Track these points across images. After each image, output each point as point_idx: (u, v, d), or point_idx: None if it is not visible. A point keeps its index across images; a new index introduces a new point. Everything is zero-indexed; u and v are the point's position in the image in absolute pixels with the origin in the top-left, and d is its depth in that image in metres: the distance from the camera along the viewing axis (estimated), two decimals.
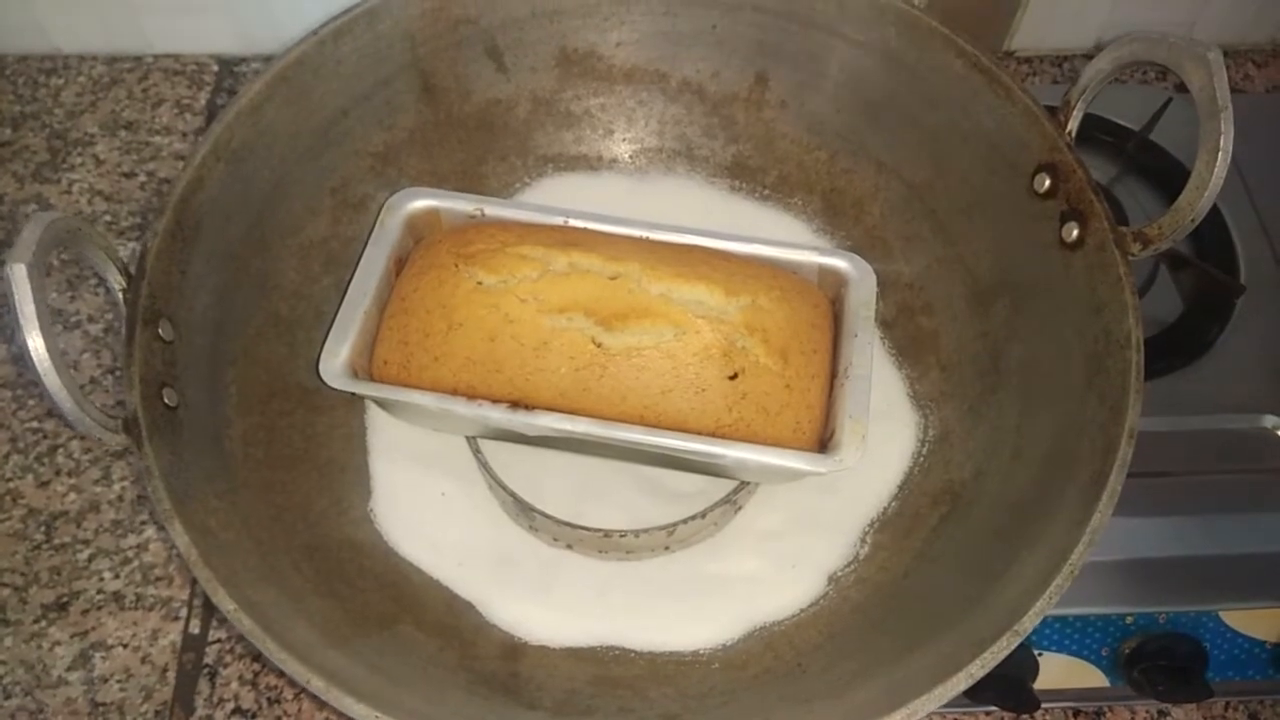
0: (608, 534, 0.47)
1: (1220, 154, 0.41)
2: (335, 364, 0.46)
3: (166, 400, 0.42)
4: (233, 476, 0.45)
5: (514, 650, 0.46)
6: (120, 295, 0.42)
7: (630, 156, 0.59)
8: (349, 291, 0.48)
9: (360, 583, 0.46)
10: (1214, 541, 0.51)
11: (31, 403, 0.60)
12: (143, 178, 0.69)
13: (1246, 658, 0.51)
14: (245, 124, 0.48)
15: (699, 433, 0.44)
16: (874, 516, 0.50)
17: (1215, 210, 0.61)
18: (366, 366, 0.48)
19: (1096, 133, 0.64)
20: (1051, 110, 0.48)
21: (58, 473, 0.58)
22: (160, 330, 0.43)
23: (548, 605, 0.48)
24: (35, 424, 0.60)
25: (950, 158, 0.51)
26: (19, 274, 0.36)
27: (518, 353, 0.45)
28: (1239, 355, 0.57)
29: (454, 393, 0.45)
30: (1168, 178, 0.62)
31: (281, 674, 0.52)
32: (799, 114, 0.56)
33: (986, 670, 0.36)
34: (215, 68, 0.74)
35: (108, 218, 0.67)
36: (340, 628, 0.42)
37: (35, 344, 0.36)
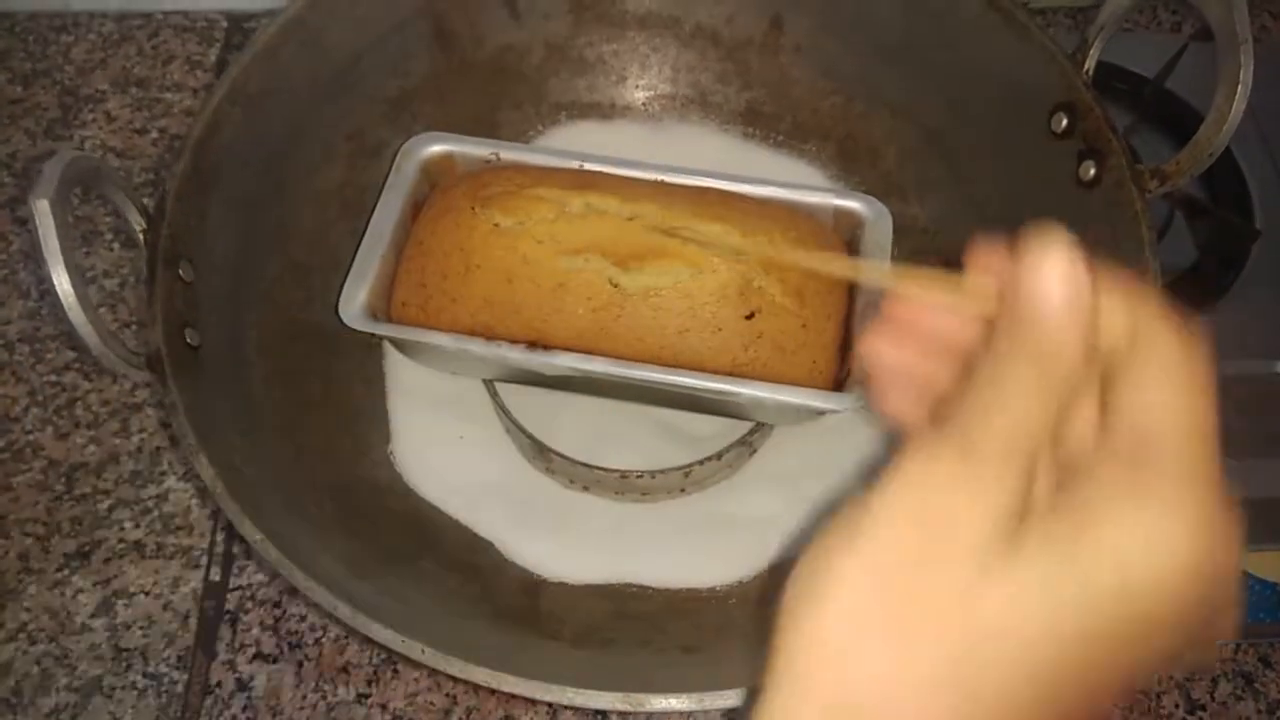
0: (624, 475, 0.48)
1: (1240, 87, 0.41)
2: (354, 306, 0.46)
3: (188, 339, 0.42)
4: (254, 417, 0.45)
5: (534, 586, 0.47)
6: (141, 236, 0.43)
7: (644, 104, 0.59)
8: (366, 235, 0.48)
9: (381, 522, 0.47)
10: (1228, 485, 0.51)
11: (50, 355, 0.61)
12: (154, 134, 0.69)
13: (1258, 600, 0.52)
14: (261, 69, 0.48)
15: (715, 372, 0.45)
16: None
17: (1230, 156, 0.61)
18: (385, 309, 0.48)
19: (1112, 81, 0.63)
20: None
21: (77, 425, 0.59)
22: (181, 271, 0.43)
23: (565, 545, 0.48)
24: (54, 377, 0.60)
25: (967, 100, 0.51)
26: (42, 208, 0.36)
27: (535, 294, 0.45)
28: (1254, 301, 0.57)
29: (472, 334, 0.46)
30: (1183, 125, 0.62)
31: (302, 618, 0.53)
32: (814, 59, 0.56)
33: None
34: (225, 24, 0.73)
35: (121, 174, 0.66)
36: (363, 562, 0.42)
37: (60, 279, 0.37)
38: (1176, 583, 0.20)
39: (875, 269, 0.28)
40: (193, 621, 0.53)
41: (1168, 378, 0.21)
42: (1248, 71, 0.40)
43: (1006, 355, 0.21)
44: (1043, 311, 0.21)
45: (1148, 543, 0.19)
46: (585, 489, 0.50)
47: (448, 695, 0.51)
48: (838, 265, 0.43)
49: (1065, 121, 0.47)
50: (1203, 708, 0.52)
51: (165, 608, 0.54)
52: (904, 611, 0.20)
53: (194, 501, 0.56)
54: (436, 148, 0.51)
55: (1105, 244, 0.45)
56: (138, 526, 0.56)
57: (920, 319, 0.25)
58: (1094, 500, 0.20)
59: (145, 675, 0.52)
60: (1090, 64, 0.47)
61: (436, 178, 0.51)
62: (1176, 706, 0.52)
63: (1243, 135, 0.60)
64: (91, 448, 0.58)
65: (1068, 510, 0.20)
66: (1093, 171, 0.46)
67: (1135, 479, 0.20)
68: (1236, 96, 0.41)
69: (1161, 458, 0.20)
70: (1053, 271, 0.21)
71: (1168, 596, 0.20)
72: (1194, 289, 0.57)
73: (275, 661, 0.52)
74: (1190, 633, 0.21)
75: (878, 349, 0.26)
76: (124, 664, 0.52)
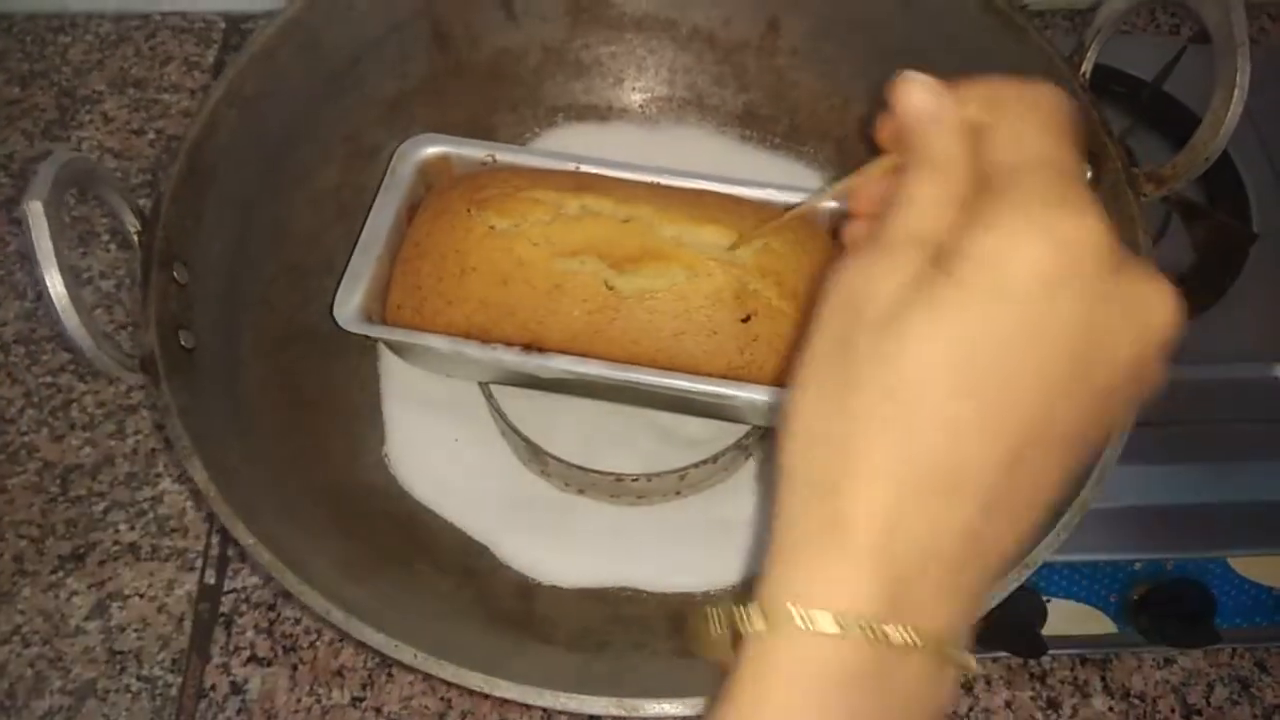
0: (620, 478, 0.48)
1: (1237, 91, 0.41)
2: (350, 307, 0.46)
3: (183, 341, 0.42)
4: (249, 419, 0.45)
5: (528, 590, 0.47)
6: (135, 238, 0.43)
7: (640, 106, 0.59)
8: (362, 237, 0.48)
9: (376, 524, 0.47)
10: (1223, 488, 0.51)
11: (45, 357, 0.61)
12: (151, 135, 0.69)
13: (1254, 604, 0.52)
14: (257, 70, 0.48)
15: (711, 375, 0.45)
16: None
17: (1228, 159, 0.61)
18: (380, 311, 0.48)
19: (1110, 83, 0.63)
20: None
21: (72, 426, 0.59)
22: (175, 273, 0.43)
23: (560, 548, 0.48)
24: (49, 378, 0.60)
25: None
26: (35, 210, 0.36)
27: (530, 296, 0.45)
28: (1251, 304, 0.57)
29: (467, 336, 0.46)
30: (1181, 128, 0.61)
31: (297, 621, 0.53)
32: (811, 61, 0.56)
33: (997, 601, 0.36)
34: (223, 25, 0.74)
35: (118, 175, 0.67)
36: (357, 565, 0.42)
37: (53, 281, 0.37)
38: (1044, 286, 0.23)
39: (822, 192, 0.31)
40: (187, 624, 0.53)
41: (1024, 124, 0.26)
42: (1245, 75, 0.40)
43: (905, 172, 0.27)
44: (917, 129, 0.26)
45: (1007, 252, 0.23)
46: (580, 492, 0.50)
47: (442, 699, 0.51)
48: (797, 210, 0.44)
49: None
50: (1199, 712, 0.52)
51: (160, 610, 0.54)
52: (846, 372, 0.25)
53: (189, 504, 0.56)
54: (432, 149, 0.51)
55: None
56: (132, 529, 0.56)
57: (872, 197, 0.30)
58: (970, 231, 0.24)
59: (139, 678, 0.52)
60: (1087, 66, 0.47)
61: (432, 179, 0.51)
62: (1173, 710, 0.52)
63: (1240, 138, 0.60)
64: (87, 450, 0.58)
65: (953, 249, 0.24)
66: (1089, 174, 0.46)
67: (998, 205, 0.24)
68: (1233, 100, 0.41)
69: (1019, 184, 0.24)
70: (913, 97, 0.27)
71: (1041, 299, 0.23)
72: (1191, 292, 0.57)
73: (270, 665, 0.52)
74: (1104, 347, 0.24)
75: (852, 236, 0.31)
76: (118, 667, 0.52)
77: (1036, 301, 0.23)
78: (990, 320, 0.23)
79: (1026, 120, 0.26)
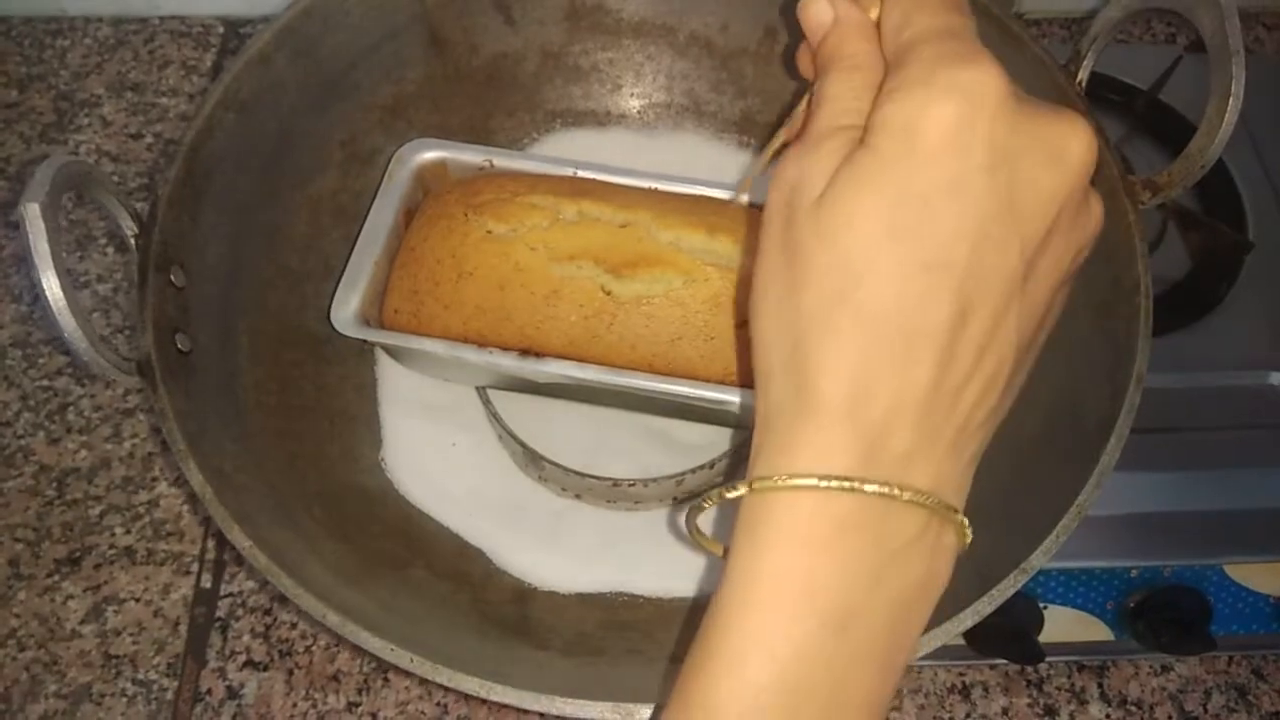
0: (616, 483, 0.48)
1: (1232, 99, 0.41)
2: (347, 312, 0.46)
3: (179, 345, 0.42)
4: (245, 423, 0.45)
5: (524, 595, 0.46)
6: (132, 241, 0.43)
7: (638, 111, 0.59)
8: (359, 241, 0.48)
9: (372, 528, 0.47)
10: (1219, 496, 0.51)
11: (42, 361, 0.61)
12: (149, 139, 0.69)
13: (1250, 611, 0.52)
14: (254, 75, 0.48)
15: (708, 380, 0.45)
16: None
17: (1224, 168, 0.61)
18: (377, 316, 0.48)
19: (1105, 92, 0.64)
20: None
21: (68, 430, 0.59)
22: (172, 276, 0.43)
23: (557, 553, 0.48)
24: (45, 382, 0.60)
25: None
26: (33, 212, 0.36)
27: (528, 301, 0.45)
28: (1247, 312, 0.57)
29: (464, 341, 0.46)
30: (1177, 137, 0.62)
31: (293, 626, 0.53)
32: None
33: (994, 606, 0.36)
34: (221, 29, 0.74)
35: (115, 178, 0.67)
36: (353, 569, 0.42)
37: (50, 283, 0.37)
38: (953, 137, 0.25)
39: (768, 149, 0.33)
40: (183, 628, 0.53)
41: (914, 3, 0.28)
42: (1240, 83, 0.41)
43: (819, 76, 0.29)
44: (825, 38, 0.29)
45: (913, 114, 0.25)
46: (577, 497, 0.50)
47: (438, 704, 0.51)
48: (744, 185, 0.46)
49: None
50: (1195, 719, 0.52)
51: (155, 614, 0.53)
52: (793, 257, 0.27)
53: (185, 508, 0.56)
54: (430, 154, 0.51)
55: (1098, 255, 0.45)
56: (129, 532, 0.56)
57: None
58: (878, 105, 0.26)
59: (135, 682, 0.52)
60: (1083, 74, 0.47)
61: (430, 184, 0.51)
62: (1170, 718, 0.52)
63: (1236, 148, 0.60)
64: (83, 453, 0.58)
65: (868, 126, 0.26)
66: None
67: (900, 76, 0.26)
68: (1229, 108, 0.41)
69: (916, 54, 0.26)
70: (812, 11, 0.30)
71: (953, 150, 0.25)
72: (1187, 300, 0.57)
73: (266, 669, 0.52)
74: (1024, 185, 0.26)
75: None
76: (114, 671, 0.52)
77: (948, 153, 0.25)
78: (909, 178, 0.25)
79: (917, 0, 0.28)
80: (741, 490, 0.26)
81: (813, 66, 0.30)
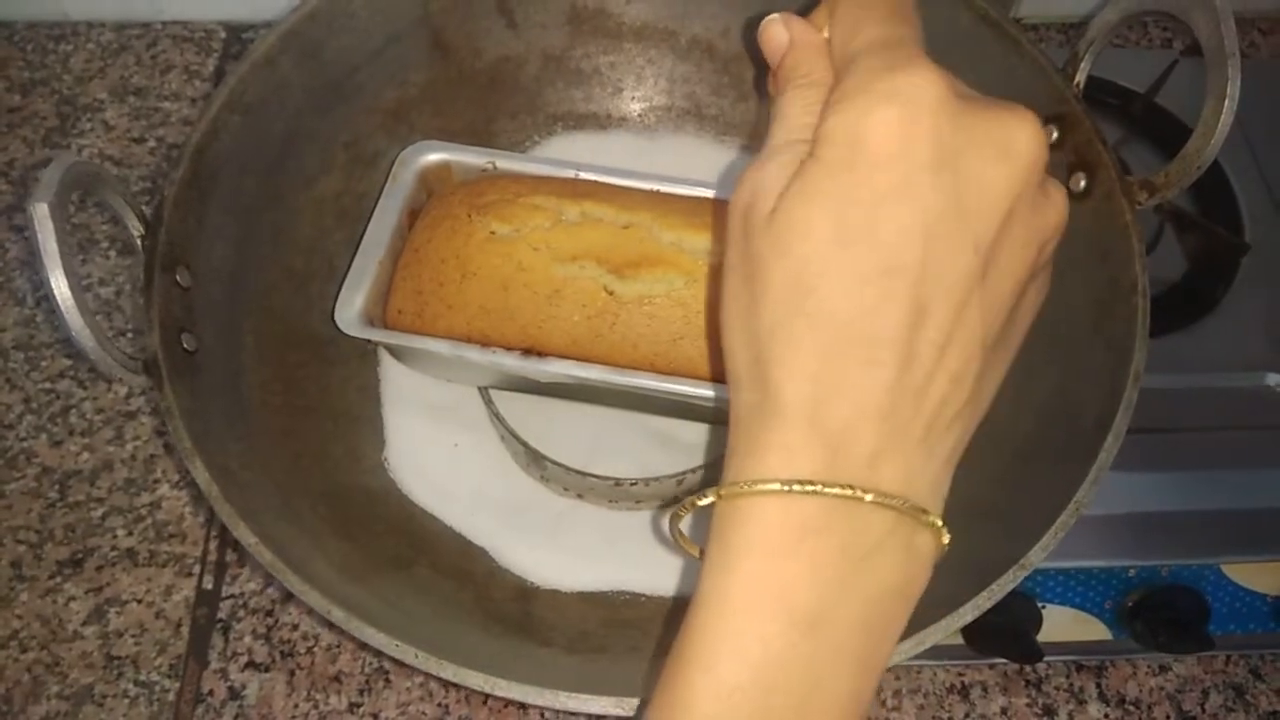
0: (618, 483, 0.48)
1: (1227, 101, 0.41)
2: (351, 312, 0.46)
3: (185, 344, 0.42)
4: (250, 422, 0.45)
5: (526, 593, 0.47)
6: (139, 242, 0.43)
7: (639, 115, 0.59)
8: (363, 242, 0.48)
9: (376, 527, 0.47)
10: (1216, 496, 0.52)
11: (44, 363, 0.61)
12: (152, 143, 0.69)
13: (1248, 610, 0.52)
14: (259, 77, 0.48)
15: (709, 379, 0.45)
16: None
17: (1220, 171, 0.62)
18: (381, 316, 0.48)
19: (1102, 95, 0.64)
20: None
21: (71, 432, 0.59)
22: (178, 277, 0.43)
23: (559, 552, 0.48)
24: (48, 384, 0.60)
25: None
26: (41, 212, 0.36)
27: (530, 301, 0.45)
28: (1243, 314, 0.57)
29: (467, 341, 0.46)
30: (1174, 140, 0.62)
31: (295, 627, 0.53)
32: None
33: (993, 601, 0.37)
34: (223, 34, 0.74)
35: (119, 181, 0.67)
36: (357, 567, 0.43)
37: (58, 282, 0.37)
38: (897, 142, 0.26)
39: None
40: (185, 630, 0.53)
41: (856, 17, 0.29)
42: (1235, 85, 0.41)
43: (776, 93, 0.30)
44: (782, 61, 0.30)
45: (856, 122, 0.26)
46: (579, 496, 0.50)
47: (440, 705, 0.51)
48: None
49: (1055, 134, 0.47)
50: (1193, 719, 0.52)
51: (157, 616, 0.54)
52: (752, 269, 0.28)
53: (187, 509, 0.56)
54: (433, 156, 0.51)
55: (1095, 255, 0.45)
56: (130, 534, 0.56)
57: None
58: (824, 118, 0.27)
59: (137, 683, 0.52)
60: (1080, 77, 0.48)
61: (433, 186, 0.52)
62: (1168, 717, 0.52)
63: (1232, 151, 0.61)
64: (85, 455, 0.58)
65: (815, 139, 0.27)
66: (1083, 183, 0.46)
67: (843, 88, 0.27)
68: (1224, 109, 0.41)
69: (858, 65, 0.27)
70: (769, 36, 0.31)
71: (897, 154, 0.26)
72: (1184, 302, 0.58)
73: (267, 670, 0.52)
74: (972, 181, 0.26)
75: None
76: (115, 672, 0.52)
77: (891, 157, 0.26)
78: (855, 185, 0.26)
79: (859, 14, 0.29)
80: (711, 498, 0.27)
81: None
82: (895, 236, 0.26)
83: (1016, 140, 0.27)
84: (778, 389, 0.26)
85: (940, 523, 0.27)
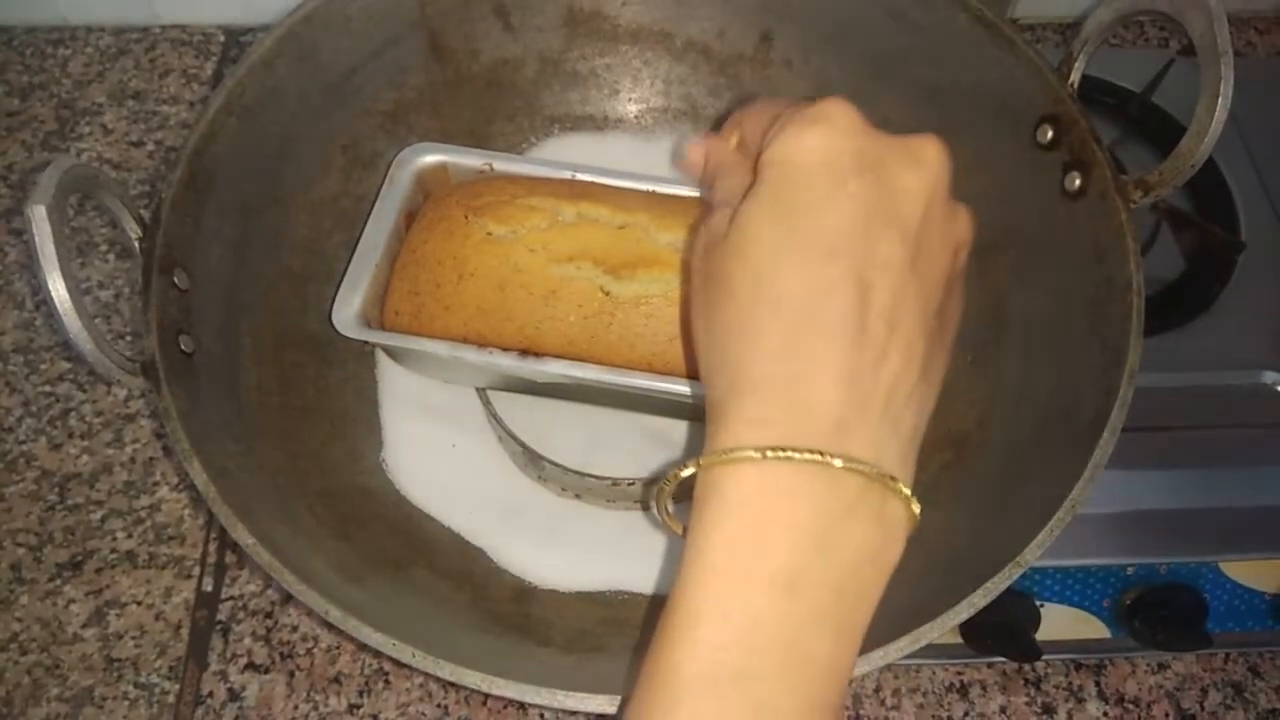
0: (616, 483, 0.48)
1: (1220, 100, 0.41)
2: (348, 313, 0.46)
3: (183, 346, 0.42)
4: (248, 423, 0.45)
5: (524, 593, 0.47)
6: (137, 244, 0.43)
7: (636, 116, 0.60)
8: (360, 243, 0.48)
9: (374, 528, 0.47)
10: (1214, 494, 0.52)
11: (44, 367, 0.61)
12: (150, 146, 0.69)
13: (1246, 608, 0.52)
14: (256, 80, 0.48)
15: None
16: None
17: (1216, 170, 0.62)
18: (378, 318, 0.48)
19: (1098, 95, 0.64)
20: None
21: (70, 435, 0.59)
22: (176, 279, 0.43)
23: (557, 552, 0.48)
24: (48, 388, 0.60)
25: (955, 113, 0.52)
26: (39, 214, 0.36)
27: (527, 301, 0.45)
28: (1239, 312, 0.57)
29: (464, 341, 0.46)
30: (1169, 139, 0.61)
31: (294, 629, 0.53)
32: (804, 73, 0.56)
33: (989, 599, 0.37)
34: (222, 38, 0.74)
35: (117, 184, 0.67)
36: (355, 567, 0.43)
37: (56, 285, 0.37)
38: (824, 154, 0.30)
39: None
40: (184, 632, 0.53)
41: (766, 112, 0.34)
42: (1228, 83, 0.41)
43: (708, 189, 0.36)
44: (707, 169, 0.37)
45: (789, 145, 0.31)
46: (577, 497, 0.50)
47: (439, 706, 0.51)
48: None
49: (1051, 133, 0.48)
50: (1192, 717, 0.52)
51: (157, 618, 0.54)
52: (715, 287, 0.32)
53: (186, 512, 0.57)
54: (430, 158, 0.51)
55: (1091, 254, 0.45)
56: (130, 537, 0.56)
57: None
58: (760, 154, 0.32)
59: (136, 685, 0.52)
60: (1075, 76, 0.48)
61: (430, 187, 0.52)
62: (1167, 716, 0.52)
63: (1228, 150, 0.61)
64: (85, 458, 0.58)
65: (756, 171, 0.32)
66: (1078, 182, 0.46)
67: (775, 133, 0.31)
68: (1218, 107, 0.41)
69: (784, 120, 0.31)
70: (694, 157, 0.37)
71: (827, 164, 0.30)
72: (1180, 301, 0.58)
73: (267, 672, 0.52)
74: (892, 181, 0.30)
75: None
76: (115, 674, 0.52)
77: (822, 167, 0.30)
78: (796, 193, 0.30)
79: (763, 110, 0.34)
80: (692, 468, 0.30)
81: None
82: (835, 226, 0.29)
83: (926, 153, 0.31)
84: (747, 370, 0.29)
85: (909, 493, 0.29)
